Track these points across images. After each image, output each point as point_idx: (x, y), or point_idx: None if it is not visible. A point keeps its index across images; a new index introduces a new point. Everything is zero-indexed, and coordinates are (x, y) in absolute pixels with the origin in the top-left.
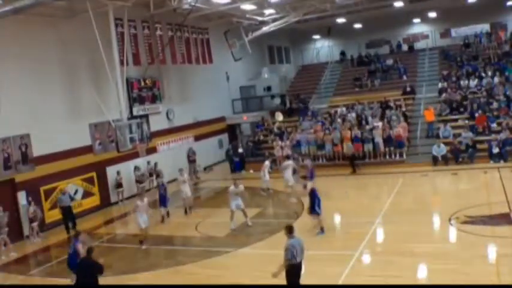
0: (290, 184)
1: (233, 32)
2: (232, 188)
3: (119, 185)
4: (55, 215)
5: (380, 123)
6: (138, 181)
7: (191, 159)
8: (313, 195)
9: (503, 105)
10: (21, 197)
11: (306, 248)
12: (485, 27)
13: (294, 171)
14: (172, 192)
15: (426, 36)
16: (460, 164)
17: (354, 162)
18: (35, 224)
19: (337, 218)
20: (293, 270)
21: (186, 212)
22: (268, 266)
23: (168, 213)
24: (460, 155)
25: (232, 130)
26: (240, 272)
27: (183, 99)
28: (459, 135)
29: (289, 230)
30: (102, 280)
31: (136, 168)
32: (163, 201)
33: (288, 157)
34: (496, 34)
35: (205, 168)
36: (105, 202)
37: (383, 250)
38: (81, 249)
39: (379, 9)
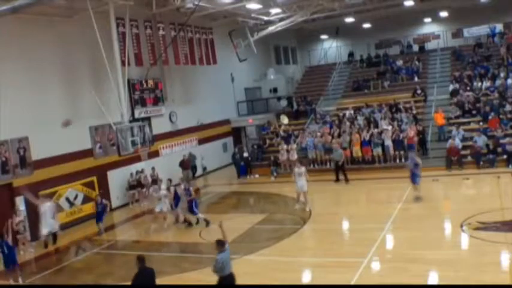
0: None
1: (238, 31)
2: (296, 169)
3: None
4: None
5: (390, 127)
6: (135, 186)
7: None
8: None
9: None
10: (20, 202)
11: (314, 254)
12: (498, 26)
13: None
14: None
15: (437, 36)
16: (481, 168)
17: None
18: (21, 236)
19: (346, 224)
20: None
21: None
22: (274, 274)
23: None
24: (481, 158)
25: (237, 133)
26: (245, 280)
27: (187, 101)
28: (471, 138)
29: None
30: None
31: (131, 174)
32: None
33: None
34: (509, 34)
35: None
36: None
37: (393, 257)
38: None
39: (389, 8)
